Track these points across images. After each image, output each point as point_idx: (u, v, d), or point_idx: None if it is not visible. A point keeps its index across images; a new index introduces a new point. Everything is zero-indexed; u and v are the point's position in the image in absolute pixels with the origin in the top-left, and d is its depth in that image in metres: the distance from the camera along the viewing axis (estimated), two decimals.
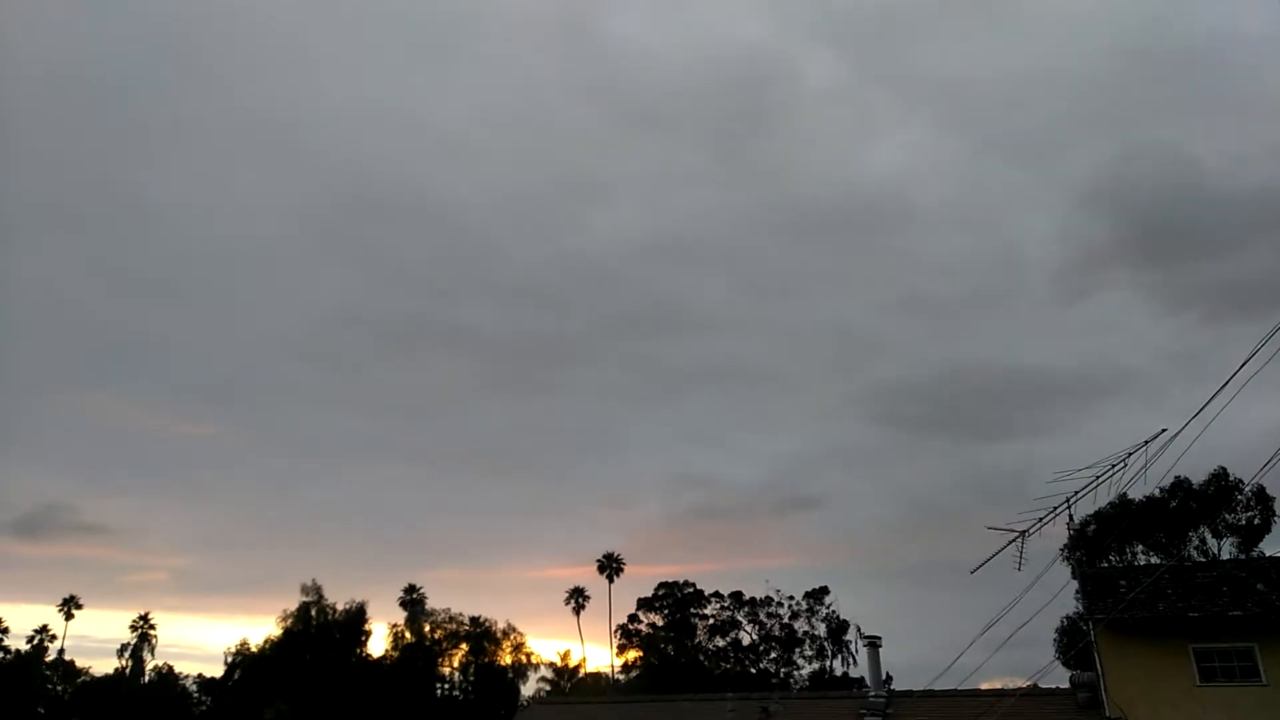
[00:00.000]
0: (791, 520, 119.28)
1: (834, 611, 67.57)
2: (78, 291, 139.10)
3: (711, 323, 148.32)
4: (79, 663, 79.26)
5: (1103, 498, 6.67)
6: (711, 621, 69.58)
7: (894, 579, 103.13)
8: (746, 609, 69.37)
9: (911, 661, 60.38)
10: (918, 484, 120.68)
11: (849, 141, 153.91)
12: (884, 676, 18.92)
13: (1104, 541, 39.82)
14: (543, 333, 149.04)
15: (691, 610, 69.99)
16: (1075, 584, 19.61)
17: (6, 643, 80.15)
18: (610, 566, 77.76)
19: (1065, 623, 38.34)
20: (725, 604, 69.89)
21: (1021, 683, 16.19)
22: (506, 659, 66.32)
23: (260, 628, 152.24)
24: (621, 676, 69.98)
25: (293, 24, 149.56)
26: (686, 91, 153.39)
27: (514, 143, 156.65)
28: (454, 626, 65.94)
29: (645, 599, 71.18)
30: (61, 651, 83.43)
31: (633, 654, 69.89)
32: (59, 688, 73.74)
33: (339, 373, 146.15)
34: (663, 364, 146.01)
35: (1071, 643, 34.78)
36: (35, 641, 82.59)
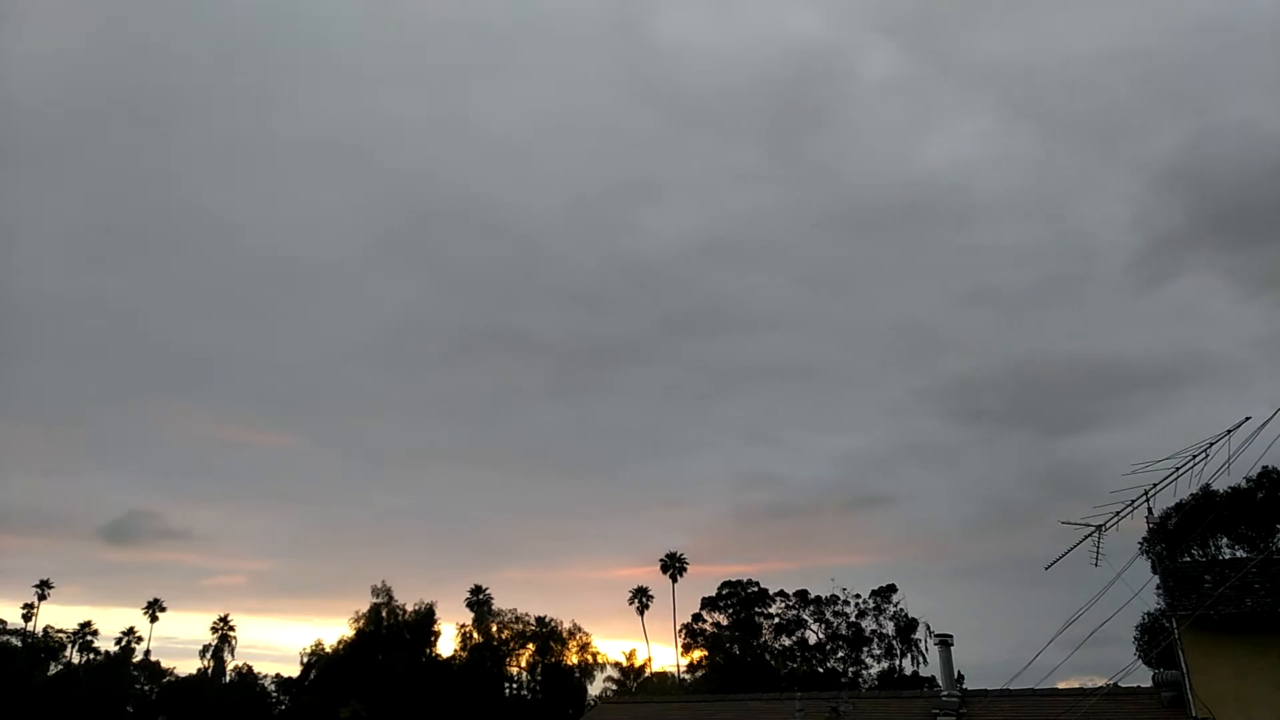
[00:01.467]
0: (859, 518, 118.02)
1: (902, 610, 66.58)
2: (163, 310, 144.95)
3: (771, 321, 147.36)
4: (164, 663, 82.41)
5: (1184, 490, 6.43)
6: (776, 621, 69.05)
7: (964, 577, 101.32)
8: (812, 608, 68.71)
9: (982, 661, 59.32)
10: (990, 479, 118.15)
11: (907, 133, 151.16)
12: (956, 676, 18.55)
13: (1186, 535, 38.39)
14: (603, 334, 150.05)
15: (756, 609, 69.49)
16: (1156, 580, 18.97)
17: (96, 644, 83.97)
18: (673, 566, 77.74)
19: (1146, 620, 37.05)
20: (790, 603, 69.28)
21: (1099, 682, 15.72)
22: (573, 659, 67.36)
23: (334, 629, 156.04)
24: (687, 676, 69.89)
25: (354, 43, 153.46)
26: (739, 89, 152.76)
27: (569, 147, 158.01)
28: (520, 627, 67.22)
29: (709, 598, 71.03)
30: (148, 653, 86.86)
31: (698, 653, 69.80)
32: (146, 687, 76.61)
33: (408, 380, 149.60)
34: (723, 363, 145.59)
35: (1153, 641, 33.65)
36: (123, 643, 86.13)
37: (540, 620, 67.79)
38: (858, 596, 67.99)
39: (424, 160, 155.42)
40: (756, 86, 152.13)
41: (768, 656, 66.74)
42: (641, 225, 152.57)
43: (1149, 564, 19.44)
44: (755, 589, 70.21)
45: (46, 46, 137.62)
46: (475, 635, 66.84)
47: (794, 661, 66.76)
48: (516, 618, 67.80)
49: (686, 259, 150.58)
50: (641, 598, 78.16)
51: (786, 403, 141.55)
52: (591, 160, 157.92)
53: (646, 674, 72.12)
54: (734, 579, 71.84)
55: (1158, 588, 20.28)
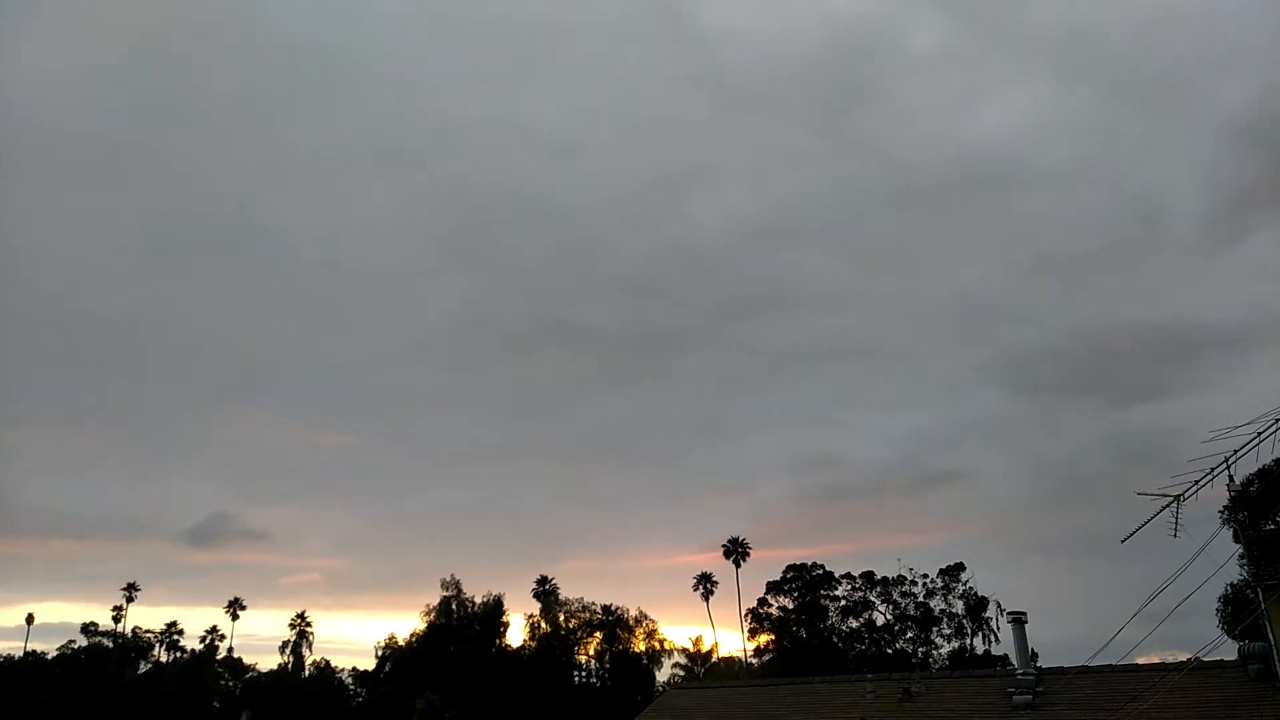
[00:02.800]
0: (924, 497, 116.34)
1: (971, 588, 65.78)
2: (234, 318, 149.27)
3: (827, 302, 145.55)
4: (245, 660, 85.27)
5: (1266, 455, 6.19)
6: (843, 603, 68.64)
7: (1035, 552, 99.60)
8: (879, 589, 68.18)
9: (1056, 638, 58.25)
10: (1059, 452, 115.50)
11: (960, 104, 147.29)
12: (1030, 654, 18.21)
13: (1270, 502, 36.97)
14: (658, 323, 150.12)
15: (821, 592, 69.15)
16: (1238, 550, 18.29)
17: (182, 643, 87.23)
18: (736, 551, 77.54)
19: (1229, 591, 35.79)
20: (856, 584, 68.85)
21: (1181, 657, 15.25)
22: (640, 646, 67.99)
23: (406, 622, 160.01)
24: (754, 660, 70.13)
25: (403, 48, 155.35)
26: (786, 70, 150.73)
27: (618, 139, 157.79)
28: (587, 615, 68.19)
29: (774, 582, 70.93)
30: (230, 650, 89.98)
31: (764, 638, 69.91)
32: (230, 683, 79.39)
33: (468, 376, 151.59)
34: (780, 347, 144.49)
35: (1238, 612, 32.52)
36: (207, 642, 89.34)
37: (606, 609, 68.66)
38: (925, 576, 67.48)
39: (476, 160, 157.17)
40: (803, 66, 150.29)
41: (835, 639, 66.46)
42: (693, 213, 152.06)
43: (1231, 533, 18.78)
44: (820, 571, 69.86)
45: (105, 61, 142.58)
46: (543, 625, 67.92)
47: (862, 643, 66.41)
48: (583, 606, 68.93)
49: (739, 244, 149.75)
50: (706, 584, 78.08)
51: (845, 384, 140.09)
52: (640, 151, 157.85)
53: (713, 659, 72.27)
54: (798, 562, 71.65)
55: (1240, 557, 19.63)
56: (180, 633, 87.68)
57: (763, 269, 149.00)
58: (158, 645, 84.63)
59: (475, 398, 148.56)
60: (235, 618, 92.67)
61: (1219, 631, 31.43)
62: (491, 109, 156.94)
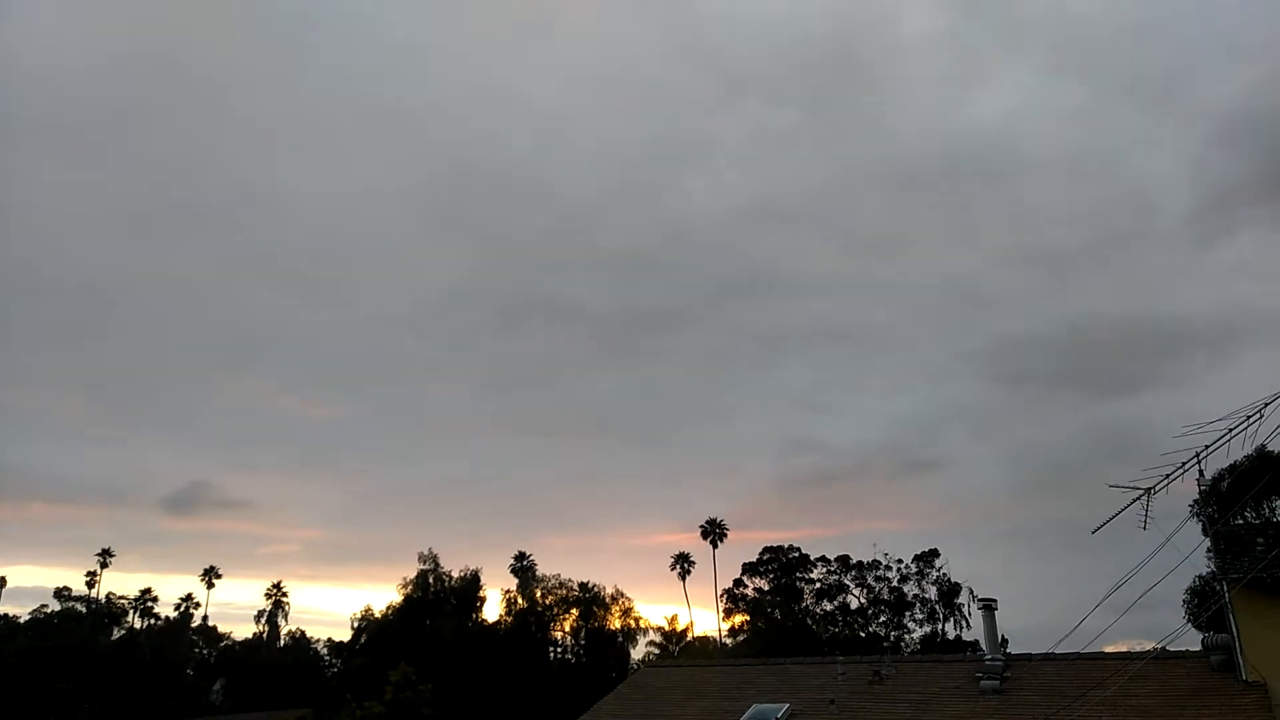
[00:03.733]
0: (905, 483, 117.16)
1: (945, 575, 66.87)
2: (218, 283, 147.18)
3: (818, 284, 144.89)
4: (221, 628, 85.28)
5: (1237, 451, 6.29)
6: (818, 586, 69.66)
7: (1011, 541, 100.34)
8: (854, 573, 69.24)
9: (1026, 625, 59.27)
10: (1039, 443, 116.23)
11: (954, 89, 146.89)
12: (1000, 640, 18.49)
13: (1239, 498, 37.59)
14: (647, 300, 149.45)
15: (797, 575, 70.15)
16: (1206, 543, 18.63)
17: (156, 611, 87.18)
18: (714, 532, 78.36)
19: (1197, 583, 36.47)
20: (832, 568, 69.83)
21: (1148, 646, 15.56)
22: (616, 623, 68.11)
23: (382, 595, 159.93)
24: (728, 640, 70.77)
25: (394, 13, 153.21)
26: (782, 48, 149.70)
27: (612, 111, 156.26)
28: (564, 592, 67.93)
29: (750, 564, 71.71)
30: (205, 618, 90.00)
31: (739, 618, 70.63)
32: (204, 651, 79.34)
33: (455, 349, 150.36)
34: (769, 328, 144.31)
35: (1203, 604, 33.17)
36: (182, 609, 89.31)
37: (583, 586, 68.59)
38: (900, 561, 68.41)
39: (468, 129, 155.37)
40: (799, 47, 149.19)
41: (809, 621, 67.23)
42: (686, 190, 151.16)
43: (1200, 527, 19.12)
44: (797, 554, 70.75)
45: (93, 21, 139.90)
46: (520, 601, 67.93)
47: (835, 626, 67.27)
48: (560, 583, 68.74)
49: (732, 223, 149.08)
50: (683, 563, 79.10)
51: (833, 368, 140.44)
52: (635, 125, 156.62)
53: (688, 638, 72.87)
54: (775, 544, 72.48)
55: (1208, 551, 19.95)
56: (155, 600, 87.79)
57: (755, 249, 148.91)
58: (131, 612, 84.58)
59: (464, 371, 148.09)
60: (211, 586, 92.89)
61: (1184, 622, 32.02)
62: (486, 79, 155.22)
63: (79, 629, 69.12)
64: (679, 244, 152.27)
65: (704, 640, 73.85)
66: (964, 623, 64.91)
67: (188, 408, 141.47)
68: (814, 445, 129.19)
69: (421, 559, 66.77)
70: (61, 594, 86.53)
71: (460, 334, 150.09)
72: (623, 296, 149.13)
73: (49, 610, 78.48)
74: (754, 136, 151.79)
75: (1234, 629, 15.01)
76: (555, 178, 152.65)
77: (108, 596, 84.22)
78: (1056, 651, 15.84)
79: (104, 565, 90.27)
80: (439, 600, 66.21)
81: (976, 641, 57.78)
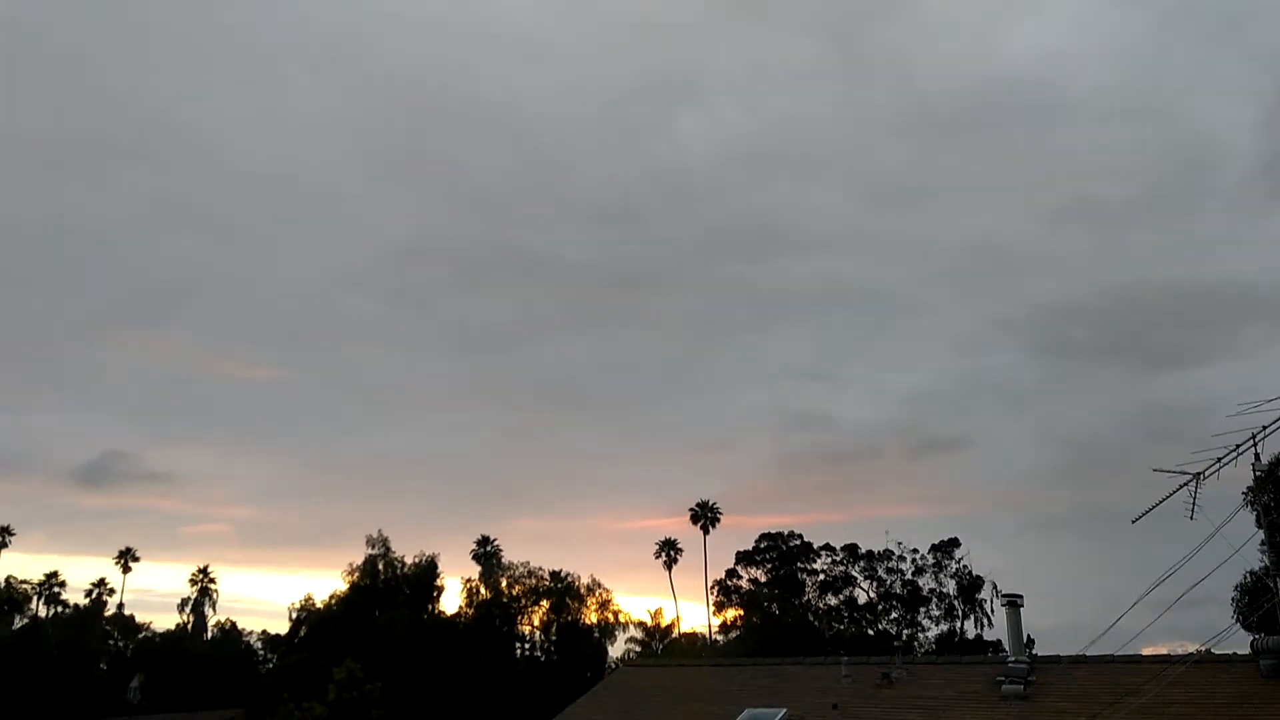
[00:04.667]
0: (923, 465, 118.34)
1: (965, 567, 68.18)
2: (138, 230, 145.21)
3: (827, 240, 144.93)
4: (139, 618, 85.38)
5: None
6: (822, 578, 70.92)
7: (1040, 531, 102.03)
8: (862, 564, 70.46)
9: (1056, 624, 60.31)
10: (1076, 421, 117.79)
11: (990, 21, 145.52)
12: (1025, 640, 18.84)
13: None
14: (633, 256, 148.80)
15: (798, 565, 71.37)
16: (1262, 535, 18.90)
17: (64, 597, 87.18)
18: (705, 516, 79.55)
19: (1248, 579, 37.07)
20: (838, 558, 71.01)
21: (1191, 649, 15.90)
22: (592, 617, 69.34)
23: (326, 582, 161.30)
24: (719, 638, 71.88)
25: None
26: None
27: (594, 41, 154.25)
28: (533, 582, 69.07)
29: (745, 552, 72.83)
30: (121, 606, 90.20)
31: (731, 613, 71.77)
32: (119, 643, 79.58)
33: (411, 308, 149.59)
34: (771, 289, 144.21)
35: (1254, 603, 33.77)
36: (94, 596, 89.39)
37: (555, 575, 69.63)
38: (915, 552, 69.66)
39: (427, 59, 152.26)
40: None
41: (811, 617, 68.39)
42: (678, 131, 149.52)
43: (1254, 517, 19.33)
44: (798, 542, 71.92)
45: None
46: (483, 591, 68.84)
47: (841, 623, 68.49)
48: (529, 572, 69.80)
49: (730, 169, 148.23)
50: (669, 551, 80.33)
51: (843, 334, 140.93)
52: (621, 56, 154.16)
53: (674, 635, 73.91)
54: (774, 531, 73.63)
55: (1262, 544, 20.29)
56: (62, 585, 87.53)
57: (755, 199, 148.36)
58: (35, 598, 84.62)
59: (419, 333, 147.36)
60: (127, 570, 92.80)
61: (1233, 622, 32.60)
62: None
63: None
64: (668, 192, 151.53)
65: (692, 637, 75.00)
66: (985, 620, 66.08)
67: (101, 368, 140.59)
68: (819, 420, 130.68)
69: (370, 543, 67.88)
70: None
71: (416, 291, 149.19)
72: (602, 251, 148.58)
73: None
74: (756, 71, 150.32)
75: None
76: (529, 115, 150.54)
77: (7, 580, 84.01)
78: (1088, 654, 16.13)
79: (2, 544, 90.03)
80: (390, 589, 67.12)
81: (999, 641, 59.16)
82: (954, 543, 68.97)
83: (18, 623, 75.48)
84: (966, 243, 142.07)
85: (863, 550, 70.58)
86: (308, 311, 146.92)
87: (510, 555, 74.73)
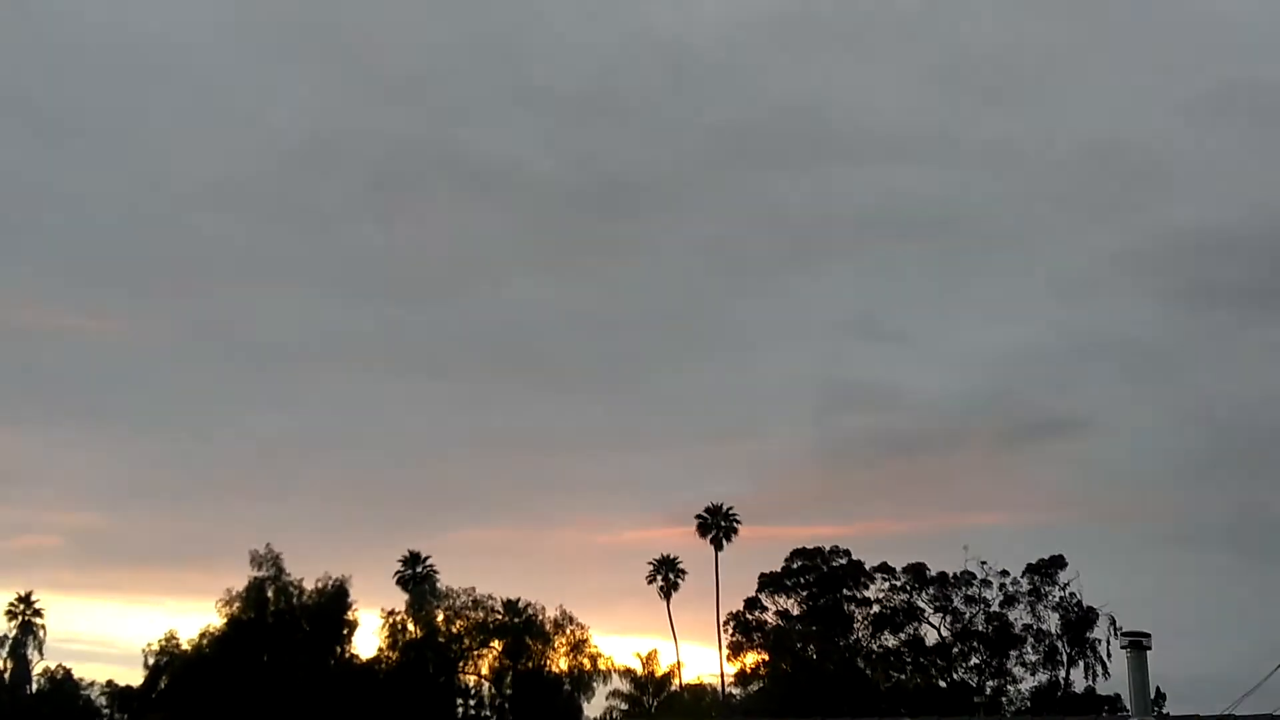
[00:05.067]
0: (1021, 456, 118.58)
1: (1073, 595, 68.62)
2: None
3: (888, 142, 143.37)
4: None
5: None
6: (876, 609, 71.10)
7: (1176, 547, 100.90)
8: (932, 590, 71.00)
9: (1195, 674, 60.37)
10: (1230, 396, 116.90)
11: None
12: (1153, 695, 19.15)
13: None
14: (615, 162, 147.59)
15: (844, 592, 71.61)
16: None
17: None
18: (718, 525, 77.94)
19: None
20: (898, 582, 71.44)
21: None
22: (561, 663, 68.58)
23: (195, 616, 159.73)
24: (735, 691, 71.64)
25: None
26: None
27: None
28: (481, 615, 68.46)
29: (772, 575, 73.07)
30: None
31: (752, 657, 71.52)
32: None
33: (307, 235, 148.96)
34: (806, 209, 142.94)
35: None
36: None
37: (512, 605, 69.07)
38: (1005, 575, 70.06)
39: None
40: None
41: (861, 663, 68.72)
42: None
43: None
44: (844, 561, 72.07)
45: None
46: (412, 628, 68.53)
47: (902, 671, 69.03)
48: (475, 601, 69.24)
49: (751, 44, 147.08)
50: (668, 572, 78.22)
51: (911, 274, 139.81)
52: None
53: (674, 687, 72.77)
54: (812, 546, 73.30)
55: None
56: None
57: (786, 86, 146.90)
58: None
59: (319, 268, 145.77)
60: None
61: None
62: None
63: None
64: (666, 76, 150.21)
65: (698, 690, 74.72)
66: (1100, 668, 65.60)
67: None
68: (875, 395, 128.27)
69: (256, 561, 66.87)
70: None
71: (317, 211, 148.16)
72: (575, 157, 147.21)
73: None
74: None
75: None
76: None
77: None
78: (1236, 713, 16.41)
79: None
80: (284, 625, 66.45)
81: (1117, 697, 59.53)
82: (1058, 562, 69.36)
83: None
84: (1080, 147, 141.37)
85: (933, 572, 71.10)
86: (160, 240, 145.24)
87: (449, 579, 73.47)
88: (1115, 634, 62.05)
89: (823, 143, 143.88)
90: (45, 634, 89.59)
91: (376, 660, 67.01)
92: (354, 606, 68.02)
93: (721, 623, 73.65)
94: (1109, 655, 64.42)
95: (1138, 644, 18.70)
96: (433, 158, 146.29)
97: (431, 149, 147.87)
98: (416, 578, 74.32)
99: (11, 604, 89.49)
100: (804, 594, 72.02)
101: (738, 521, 78.59)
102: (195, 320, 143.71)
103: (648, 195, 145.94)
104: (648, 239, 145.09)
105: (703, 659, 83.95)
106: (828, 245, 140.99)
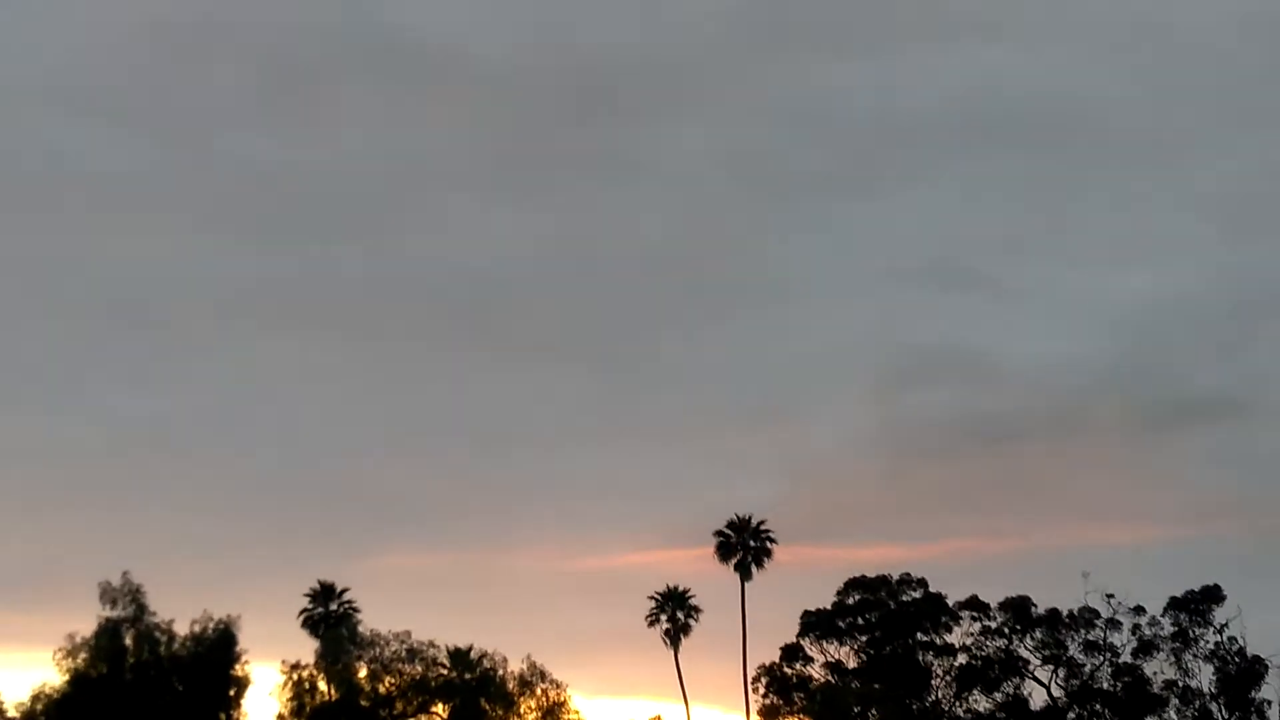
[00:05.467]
0: (1163, 447, 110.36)
1: (1233, 640, 67.71)
2: None
3: (987, 22, 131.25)
4: None
5: None
6: (964, 660, 69.65)
7: None
8: (1039, 634, 69.25)
9: None
10: None
11: None
12: None
13: None
14: (598, 46, 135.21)
15: (919, 636, 69.83)
16: None
17: None
18: (744, 545, 73.80)
19: None
20: (992, 623, 70.07)
21: None
22: None
23: (25, 670, 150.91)
24: None
25: None
26: None
27: None
28: (418, 670, 63.59)
29: (819, 613, 71.37)
30: None
31: None
32: None
33: (174, 149, 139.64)
34: (859, 110, 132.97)
35: None
36: None
37: (461, 656, 63.43)
38: (1139, 612, 68.59)
39: None
40: None
41: None
42: None
43: None
44: (918, 594, 70.83)
45: None
46: (324, 687, 62.25)
47: None
48: (410, 650, 62.94)
49: None
50: (675, 610, 74.09)
51: (1000, 198, 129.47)
52: None
53: None
54: (873, 573, 72.84)
55: None
56: None
57: None
58: None
59: (192, 189, 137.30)
60: None
61: None
62: None
63: None
64: None
65: None
66: None
67: None
68: (957, 365, 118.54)
69: (109, 596, 58.92)
70: None
71: (189, 116, 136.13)
72: (552, 34, 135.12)
73: None
74: None
75: None
76: None
77: None
78: None
79: None
80: (148, 682, 60.21)
81: None
82: (1213, 594, 67.33)
83: None
84: (1240, 29, 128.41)
85: (1040, 610, 69.56)
86: None
87: (375, 620, 67.02)
88: None
89: (881, 17, 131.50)
90: None
91: None
92: (244, 657, 58.78)
93: (750, 679, 72.13)
94: None
95: None
96: (345, 39, 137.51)
97: (342, 27, 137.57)
98: (330, 618, 71.62)
99: None
100: (863, 639, 69.36)
101: (771, 540, 75.14)
102: (24, 261, 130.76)
103: (646, 89, 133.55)
104: (646, 151, 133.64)
105: None
106: (894, 161, 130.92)
